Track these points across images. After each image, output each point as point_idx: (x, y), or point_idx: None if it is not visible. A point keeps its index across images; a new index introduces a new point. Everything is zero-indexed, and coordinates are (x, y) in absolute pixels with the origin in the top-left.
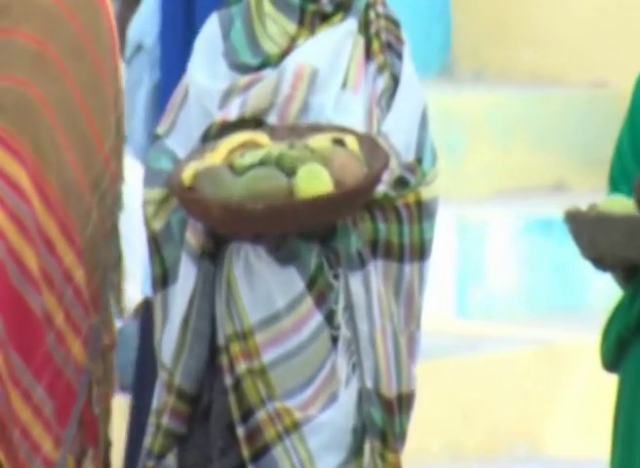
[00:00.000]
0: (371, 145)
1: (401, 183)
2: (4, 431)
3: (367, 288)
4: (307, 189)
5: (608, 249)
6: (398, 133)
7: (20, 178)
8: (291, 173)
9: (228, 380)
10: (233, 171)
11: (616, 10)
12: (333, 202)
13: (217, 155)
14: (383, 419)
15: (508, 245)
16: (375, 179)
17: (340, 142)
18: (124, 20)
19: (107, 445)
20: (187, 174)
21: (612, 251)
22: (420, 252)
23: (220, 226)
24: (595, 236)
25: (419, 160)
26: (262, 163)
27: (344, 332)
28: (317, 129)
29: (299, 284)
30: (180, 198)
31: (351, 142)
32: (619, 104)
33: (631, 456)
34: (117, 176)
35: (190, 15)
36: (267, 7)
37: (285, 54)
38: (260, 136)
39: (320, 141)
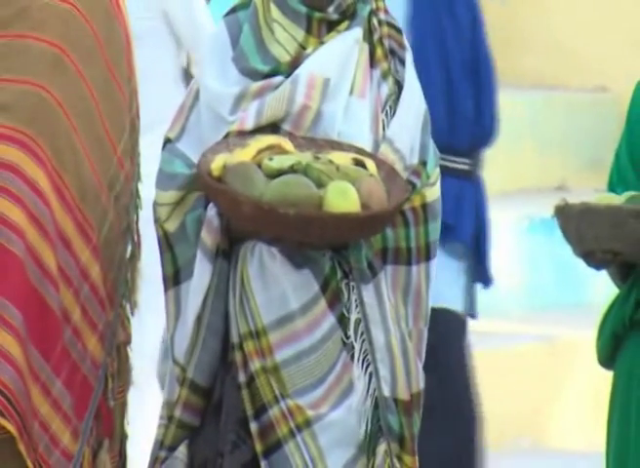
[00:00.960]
0: (388, 172)
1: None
2: (25, 425)
3: (379, 298)
4: (337, 205)
5: (594, 241)
6: (403, 137)
7: (38, 179)
8: (318, 185)
9: (242, 377)
10: (261, 171)
11: (616, 17)
12: (359, 222)
13: (246, 153)
14: (401, 424)
15: (512, 244)
16: (397, 209)
17: (360, 164)
18: None
19: (123, 437)
20: (217, 164)
21: (598, 243)
22: (427, 252)
23: (247, 223)
24: (581, 228)
25: (423, 163)
26: (292, 170)
27: (358, 343)
28: (335, 144)
29: (313, 286)
30: (209, 188)
31: (371, 166)
32: (618, 109)
33: (626, 449)
34: (131, 176)
35: None
36: (275, 13)
37: (295, 62)
38: (286, 143)
39: (342, 159)
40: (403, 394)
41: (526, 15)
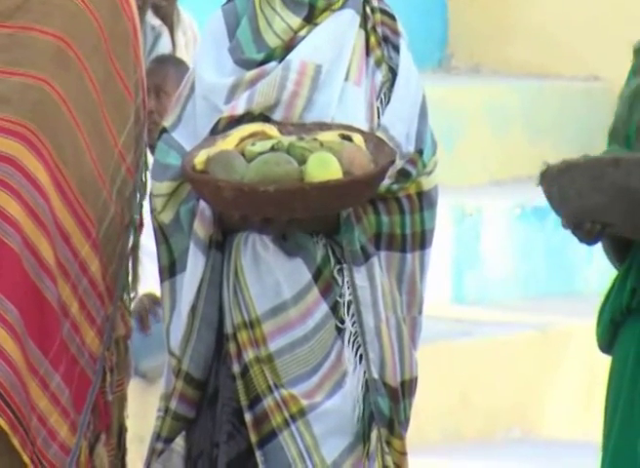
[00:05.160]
0: (376, 143)
1: (403, 175)
2: (20, 420)
3: (371, 281)
4: (317, 175)
5: (577, 197)
6: (398, 124)
7: (38, 173)
8: (301, 162)
9: (236, 368)
10: (244, 157)
11: (607, 8)
12: (341, 189)
13: (228, 142)
14: (390, 408)
15: (503, 232)
16: (382, 173)
17: (347, 138)
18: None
19: (122, 430)
20: (200, 159)
21: (580, 202)
22: (422, 241)
23: (231, 208)
24: (563, 186)
25: (419, 151)
26: (273, 150)
27: (350, 326)
28: (324, 126)
29: (305, 275)
30: (192, 181)
31: (358, 139)
32: (610, 97)
33: (630, 428)
34: (134, 168)
35: None
36: (276, 3)
37: (288, 47)
38: (270, 129)
39: (328, 136)
40: (391, 380)
41: (518, 5)
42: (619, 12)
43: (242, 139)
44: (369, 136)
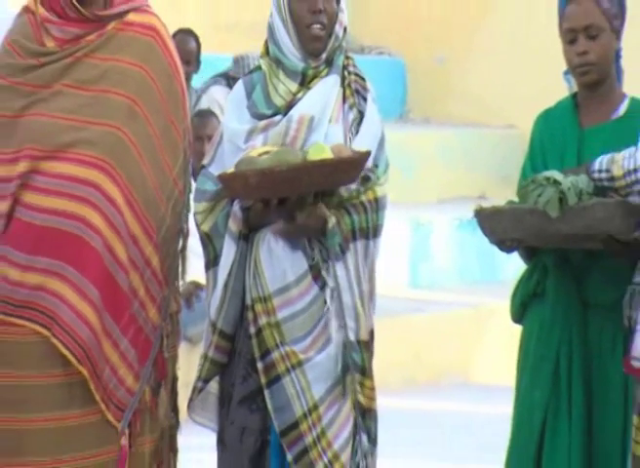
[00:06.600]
0: (351, 150)
1: (365, 180)
2: (95, 370)
3: (347, 271)
4: (316, 158)
5: (502, 232)
6: (362, 149)
7: (114, 194)
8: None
9: (252, 329)
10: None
11: (522, 75)
12: (335, 165)
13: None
14: (363, 359)
15: (447, 237)
16: (364, 157)
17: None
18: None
19: (175, 379)
20: (229, 170)
21: (504, 234)
22: (378, 231)
23: (255, 194)
24: (492, 224)
25: (375, 165)
26: (266, 153)
27: (334, 305)
28: None
29: (304, 265)
30: (225, 179)
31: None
32: (523, 140)
33: (532, 382)
34: (183, 191)
35: None
36: (279, 73)
37: (289, 105)
38: (273, 148)
39: None
40: (364, 336)
41: (456, 73)
42: (531, 77)
43: (259, 155)
44: (348, 147)
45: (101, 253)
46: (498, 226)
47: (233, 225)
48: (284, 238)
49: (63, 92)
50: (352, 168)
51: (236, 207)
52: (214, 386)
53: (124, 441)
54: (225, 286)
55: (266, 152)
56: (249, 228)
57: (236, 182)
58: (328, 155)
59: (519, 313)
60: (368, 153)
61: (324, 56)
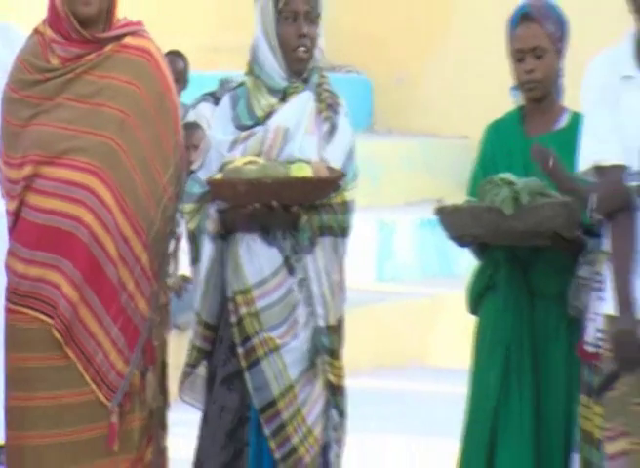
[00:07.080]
0: (329, 167)
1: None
2: (83, 352)
3: (315, 263)
4: (298, 175)
5: (461, 229)
6: (333, 158)
7: (106, 198)
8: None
9: (234, 318)
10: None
11: (474, 87)
12: (314, 184)
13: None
14: (331, 341)
15: (410, 235)
16: (338, 178)
17: (308, 163)
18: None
19: (164, 365)
20: (217, 176)
21: (463, 230)
22: (346, 232)
23: (243, 200)
24: (451, 221)
25: (345, 173)
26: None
27: (304, 293)
28: (292, 160)
29: (279, 260)
30: (214, 185)
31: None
32: (476, 150)
33: (486, 365)
34: (174, 197)
35: None
36: (262, 90)
37: (268, 116)
38: (258, 160)
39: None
40: (333, 321)
41: (416, 87)
42: (482, 92)
43: (244, 164)
44: (323, 163)
45: (90, 246)
46: (457, 222)
47: (210, 226)
48: (260, 223)
49: (64, 104)
50: (328, 186)
51: (212, 209)
52: (202, 370)
53: (114, 418)
54: (207, 280)
55: (250, 162)
56: (225, 230)
57: (225, 188)
58: (308, 173)
59: (475, 304)
60: (343, 174)
61: (305, 75)
